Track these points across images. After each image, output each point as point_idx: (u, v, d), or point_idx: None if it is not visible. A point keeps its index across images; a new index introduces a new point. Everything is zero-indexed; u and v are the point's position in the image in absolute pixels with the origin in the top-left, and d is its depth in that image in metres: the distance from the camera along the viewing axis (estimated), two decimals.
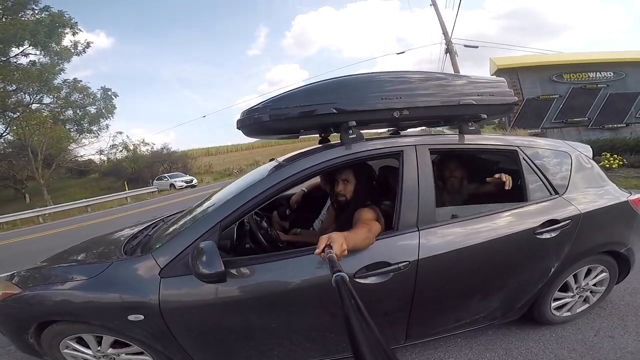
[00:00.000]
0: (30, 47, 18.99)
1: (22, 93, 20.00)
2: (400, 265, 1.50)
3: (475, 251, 1.62)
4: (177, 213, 2.58)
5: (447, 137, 1.82)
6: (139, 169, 24.64)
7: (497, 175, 1.80)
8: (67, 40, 20.29)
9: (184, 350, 1.63)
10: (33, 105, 20.69)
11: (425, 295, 1.60)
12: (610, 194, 1.95)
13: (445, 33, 13.04)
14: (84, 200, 16.43)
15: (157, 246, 1.62)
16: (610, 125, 10.40)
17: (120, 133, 26.91)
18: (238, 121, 1.79)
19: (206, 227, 1.52)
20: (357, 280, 1.45)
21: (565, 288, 1.96)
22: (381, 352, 0.52)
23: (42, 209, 14.67)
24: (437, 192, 1.67)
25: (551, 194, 1.82)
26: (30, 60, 19.40)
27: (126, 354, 1.72)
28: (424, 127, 3.45)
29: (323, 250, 1.10)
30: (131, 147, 26.29)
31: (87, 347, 1.71)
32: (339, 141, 1.71)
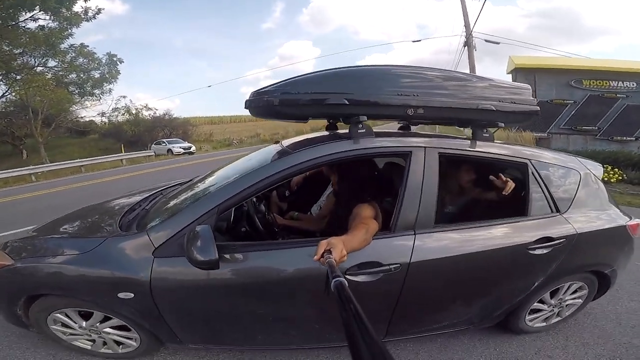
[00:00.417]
0: (41, 12, 18.58)
1: (27, 56, 19.83)
2: (392, 267, 1.51)
3: (467, 260, 1.62)
4: (176, 185, 2.56)
5: (458, 141, 1.76)
6: (139, 133, 24.66)
7: (504, 178, 1.76)
8: (79, 6, 19.97)
9: (170, 330, 1.65)
10: (38, 68, 20.59)
11: (410, 297, 1.62)
12: (610, 217, 1.92)
13: (467, 25, 12.62)
14: (78, 160, 16.23)
15: (153, 224, 1.60)
16: (618, 138, 10.21)
17: (124, 97, 27.43)
18: (247, 101, 1.73)
19: (204, 210, 1.50)
20: (348, 277, 1.45)
21: (543, 301, 1.98)
22: (382, 358, 0.51)
23: (35, 167, 14.43)
24: (439, 197, 1.64)
25: (552, 211, 1.80)
26: (39, 25, 19.17)
27: (111, 327, 1.74)
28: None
29: (322, 256, 1.10)
30: (133, 111, 26.42)
31: (74, 321, 1.72)
32: (347, 131, 1.67)
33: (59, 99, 20.37)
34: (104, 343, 1.81)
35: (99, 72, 23.96)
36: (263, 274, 1.53)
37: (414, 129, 2.24)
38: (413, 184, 1.58)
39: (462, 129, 2.10)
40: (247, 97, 1.73)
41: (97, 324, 1.71)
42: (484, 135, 1.80)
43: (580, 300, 2.08)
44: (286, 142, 1.92)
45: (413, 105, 1.60)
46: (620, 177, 7.26)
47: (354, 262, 1.47)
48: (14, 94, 20.48)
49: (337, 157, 1.59)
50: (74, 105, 23.85)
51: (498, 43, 12.57)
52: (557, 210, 1.80)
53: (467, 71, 12.55)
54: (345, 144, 1.61)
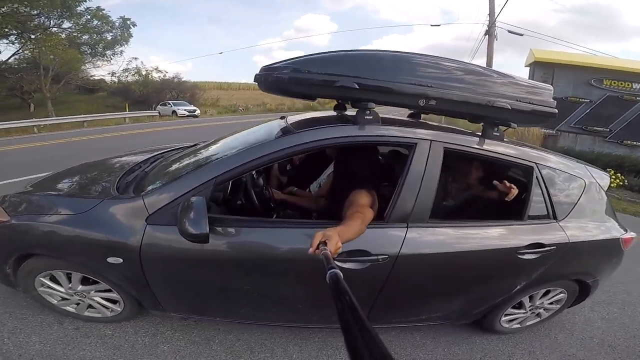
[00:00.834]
0: None
1: (44, 17, 19.85)
2: (380, 257, 1.51)
3: (455, 258, 1.63)
4: (180, 148, 2.53)
5: (466, 137, 1.71)
6: (147, 93, 25.07)
7: (507, 184, 1.71)
8: None
9: (154, 298, 1.67)
10: (53, 29, 20.64)
11: (393, 289, 1.64)
12: (606, 228, 1.91)
13: (491, 13, 12.04)
14: (82, 115, 16.25)
15: (150, 189, 1.59)
16: (629, 142, 10.02)
17: (136, 59, 27.19)
18: (256, 75, 1.69)
19: (200, 181, 1.49)
20: (336, 262, 1.45)
21: (521, 304, 2.00)
22: (377, 349, 0.52)
23: (38, 120, 14.49)
24: (438, 191, 1.62)
25: (549, 217, 1.78)
26: None
27: (96, 290, 1.77)
28: None
29: (317, 248, 1.09)
30: (143, 73, 26.75)
31: (59, 284, 1.74)
32: (354, 115, 1.62)
33: (70, 58, 20.66)
34: (89, 306, 1.84)
35: (112, 34, 24.30)
36: (253, 250, 1.54)
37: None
38: (413, 176, 1.56)
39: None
40: (258, 72, 1.69)
41: (80, 286, 1.73)
42: (494, 133, 1.74)
43: (557, 305, 2.11)
44: (291, 119, 1.88)
45: (426, 95, 1.54)
46: (622, 183, 7.19)
47: (344, 249, 1.44)
48: (27, 52, 20.67)
49: (340, 141, 1.56)
50: (85, 64, 24.28)
51: (522, 35, 12.08)
52: (554, 217, 1.78)
53: (484, 60, 12.26)
54: (350, 129, 1.58)
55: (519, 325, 2.14)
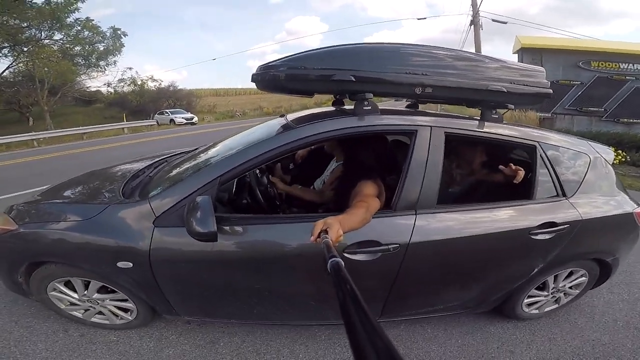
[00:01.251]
0: None
1: (34, 29, 20.11)
2: (390, 247, 1.50)
3: (467, 243, 1.61)
4: (181, 153, 2.53)
5: (466, 122, 1.72)
6: (144, 102, 25.67)
7: (514, 167, 1.70)
8: None
9: (167, 301, 1.67)
10: (45, 40, 20.96)
11: (408, 278, 1.62)
12: (617, 203, 1.88)
13: (474, 4, 12.34)
14: (81, 127, 16.46)
15: (155, 192, 1.59)
16: (625, 120, 10.04)
17: (130, 69, 28.49)
18: (253, 75, 1.69)
19: (205, 181, 1.49)
20: (346, 255, 1.47)
21: (541, 287, 1.97)
22: (379, 341, 0.50)
23: (37, 133, 14.60)
24: (443, 177, 1.62)
25: (558, 195, 1.77)
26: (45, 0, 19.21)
27: (111, 299, 1.77)
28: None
29: (319, 236, 1.07)
30: (139, 82, 27.28)
31: (74, 290, 1.75)
32: (353, 107, 1.63)
33: (63, 70, 20.91)
34: (100, 313, 1.84)
35: (104, 44, 24.66)
36: (262, 247, 1.53)
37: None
38: (417, 163, 1.56)
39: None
40: (254, 71, 1.69)
41: (95, 294, 1.74)
42: (493, 116, 1.75)
43: (577, 290, 2.07)
44: (291, 116, 1.88)
45: (422, 83, 1.55)
46: (624, 159, 7.14)
47: (354, 241, 1.47)
48: (21, 64, 21.04)
49: (341, 133, 1.57)
50: (80, 76, 24.63)
51: (505, 22, 12.43)
52: (564, 195, 1.77)
53: (473, 50, 12.42)
54: (349, 120, 1.58)
55: (537, 311, 2.09)
